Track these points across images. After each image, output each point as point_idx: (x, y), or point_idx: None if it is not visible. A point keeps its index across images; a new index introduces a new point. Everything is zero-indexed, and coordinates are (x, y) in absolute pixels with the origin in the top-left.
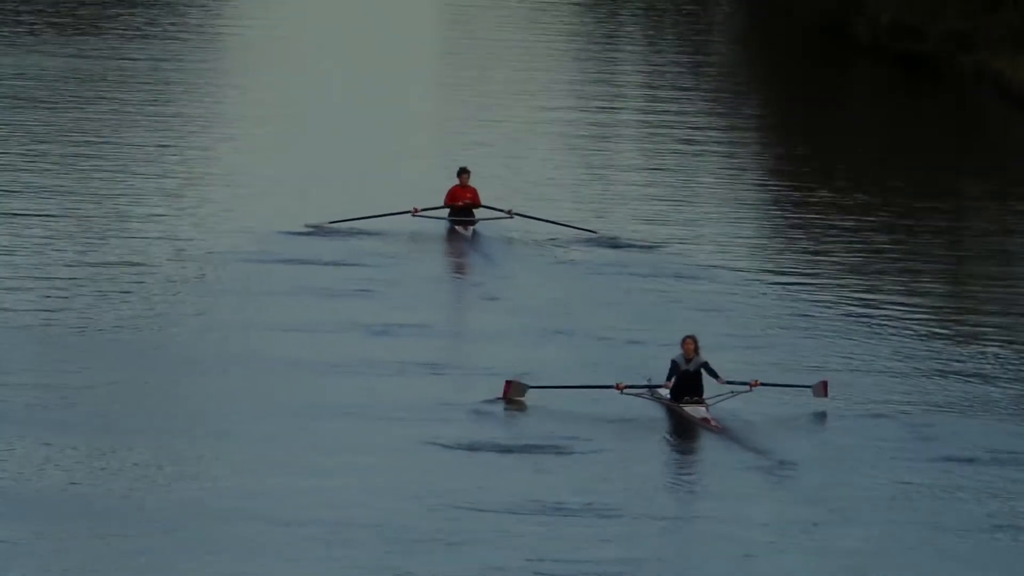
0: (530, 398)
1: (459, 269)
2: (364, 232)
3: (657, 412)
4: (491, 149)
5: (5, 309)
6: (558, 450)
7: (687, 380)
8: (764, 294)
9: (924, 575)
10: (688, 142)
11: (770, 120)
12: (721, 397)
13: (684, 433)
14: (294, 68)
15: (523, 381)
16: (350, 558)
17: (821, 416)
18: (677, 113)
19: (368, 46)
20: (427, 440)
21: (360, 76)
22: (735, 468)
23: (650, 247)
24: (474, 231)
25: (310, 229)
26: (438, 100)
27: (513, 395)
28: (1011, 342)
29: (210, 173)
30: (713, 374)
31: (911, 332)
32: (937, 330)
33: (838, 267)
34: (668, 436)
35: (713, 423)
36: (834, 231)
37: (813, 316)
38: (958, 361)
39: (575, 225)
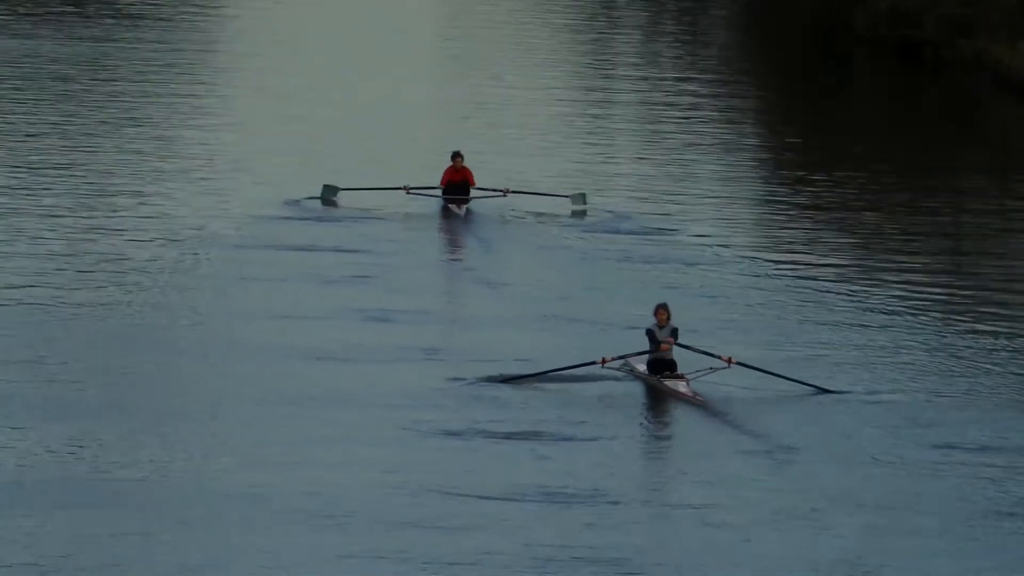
0: (516, 387)
1: (453, 250)
2: (358, 212)
3: (641, 390)
4: (487, 132)
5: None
6: (551, 436)
7: (664, 357)
8: (761, 277)
9: (922, 561)
10: (686, 127)
11: (768, 106)
12: (700, 373)
13: (672, 411)
14: (290, 53)
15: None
16: (344, 542)
17: (820, 401)
18: (675, 99)
19: (366, 30)
20: (421, 425)
21: (357, 60)
22: (733, 453)
23: (645, 229)
24: (467, 209)
25: (299, 203)
26: (434, 82)
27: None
28: (1010, 327)
29: (202, 156)
30: (679, 342)
31: (909, 316)
32: (936, 315)
33: (836, 252)
34: (657, 416)
35: (695, 396)
36: (832, 216)
37: (810, 300)
38: (957, 346)
39: (565, 194)
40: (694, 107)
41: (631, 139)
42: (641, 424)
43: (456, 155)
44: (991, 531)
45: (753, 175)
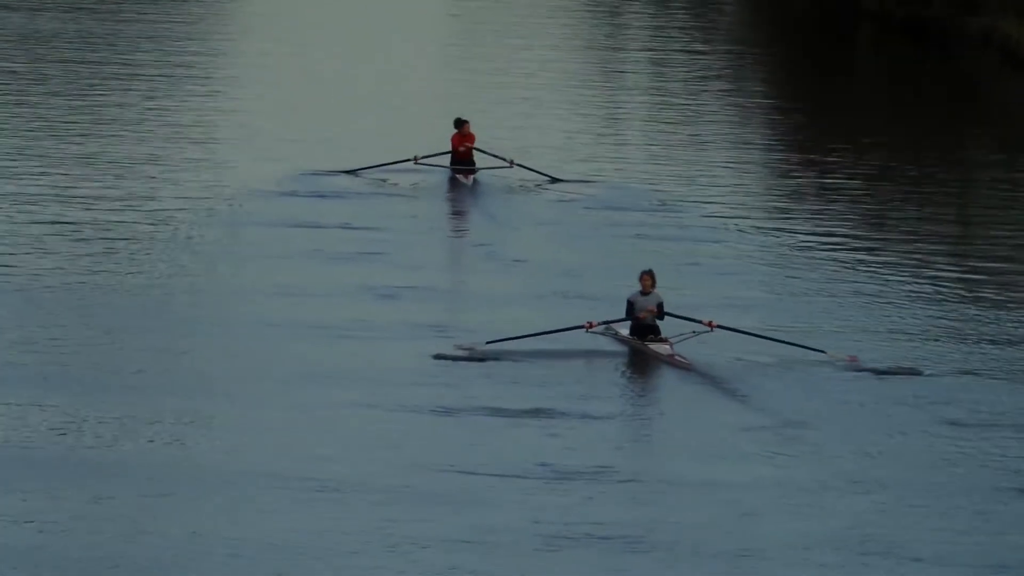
0: (503, 348)
1: (460, 221)
2: (366, 183)
3: (627, 354)
4: (497, 107)
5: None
6: (547, 410)
7: (647, 322)
8: (772, 253)
9: (930, 539)
10: (694, 104)
11: (777, 84)
12: (683, 336)
13: (659, 375)
14: (300, 32)
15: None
16: (344, 517)
17: (832, 376)
18: (683, 75)
19: (377, 14)
20: (422, 401)
21: (366, 45)
22: (726, 419)
23: (653, 203)
24: (475, 179)
25: (307, 176)
26: (443, 61)
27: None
28: (1019, 299)
29: (208, 132)
30: (662, 310)
31: (920, 293)
32: (944, 287)
33: (845, 226)
34: (645, 380)
35: (679, 359)
36: (841, 192)
37: (821, 276)
38: (963, 318)
39: (575, 179)
40: (701, 83)
41: (639, 115)
42: (631, 390)
43: (462, 122)
44: (1001, 509)
45: (761, 151)
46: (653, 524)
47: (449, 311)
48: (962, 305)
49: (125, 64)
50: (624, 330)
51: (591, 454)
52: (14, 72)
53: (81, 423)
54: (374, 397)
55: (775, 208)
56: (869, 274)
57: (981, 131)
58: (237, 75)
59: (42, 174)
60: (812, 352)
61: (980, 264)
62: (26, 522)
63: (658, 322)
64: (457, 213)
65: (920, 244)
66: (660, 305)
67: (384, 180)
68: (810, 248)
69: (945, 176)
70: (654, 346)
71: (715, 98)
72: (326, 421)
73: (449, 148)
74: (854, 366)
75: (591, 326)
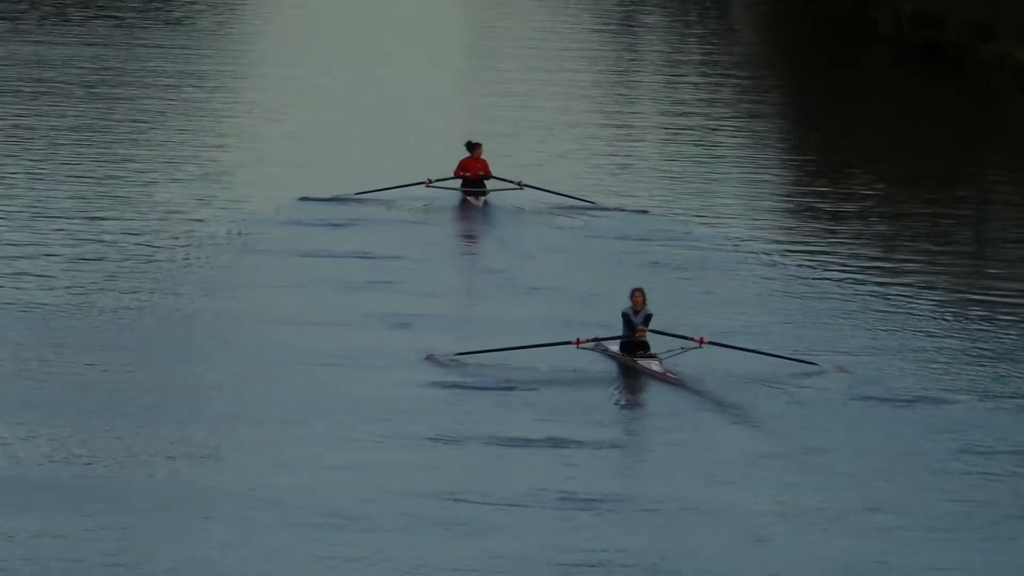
0: (487, 360)
1: (471, 246)
2: (379, 203)
3: (616, 370)
4: (508, 126)
5: (9, 288)
6: (557, 438)
7: (638, 339)
8: (782, 275)
9: (947, 565)
10: (708, 126)
11: (791, 106)
12: (672, 352)
13: (650, 391)
14: (313, 51)
15: (475, 349)
16: (346, 545)
17: (843, 401)
18: (698, 98)
19: (389, 34)
20: (425, 429)
21: (379, 62)
22: (750, 452)
23: (664, 225)
24: (485, 201)
25: (320, 199)
26: (456, 80)
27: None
28: None
29: (217, 157)
30: (649, 326)
31: (932, 316)
32: (957, 314)
33: (861, 251)
34: (636, 397)
35: (670, 375)
36: (854, 215)
37: (831, 297)
38: (972, 339)
39: (580, 197)
40: (716, 106)
41: (652, 137)
42: (630, 412)
43: (474, 145)
44: (1009, 536)
45: (776, 174)
46: (664, 551)
47: (462, 338)
48: (978, 329)
49: (132, 89)
50: (614, 346)
51: (597, 480)
52: (20, 97)
53: (83, 449)
54: (380, 426)
55: (790, 232)
56: (884, 298)
57: (996, 155)
58: (246, 98)
59: (46, 199)
60: (805, 365)
61: (995, 287)
62: (26, 546)
63: (649, 336)
64: (469, 237)
65: (935, 268)
66: (648, 318)
67: (395, 203)
68: (825, 272)
69: (960, 200)
70: (643, 362)
71: (729, 122)
72: (334, 449)
73: (455, 172)
74: (845, 376)
75: (580, 342)
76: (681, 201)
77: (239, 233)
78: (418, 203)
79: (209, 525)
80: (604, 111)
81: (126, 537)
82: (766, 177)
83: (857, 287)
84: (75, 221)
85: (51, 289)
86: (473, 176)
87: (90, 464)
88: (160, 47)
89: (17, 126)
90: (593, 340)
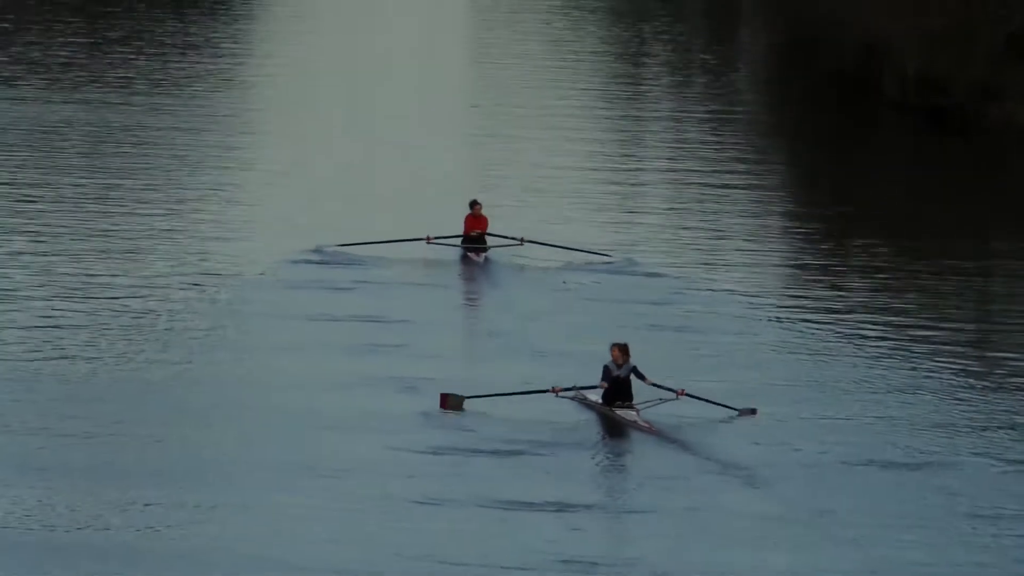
0: (470, 407)
1: (473, 309)
2: (379, 260)
3: (594, 419)
4: (512, 180)
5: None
6: (553, 501)
7: (618, 385)
8: (793, 341)
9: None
10: (713, 188)
11: (796, 168)
12: (650, 403)
13: (628, 440)
14: (313, 94)
15: (458, 393)
16: None
17: (836, 462)
18: (702, 160)
19: (390, 73)
20: (412, 492)
21: (380, 105)
22: (751, 515)
23: (670, 277)
24: (486, 258)
25: (321, 252)
26: (456, 134)
27: (450, 406)
28: None
29: (217, 201)
30: (640, 376)
31: (934, 380)
32: (960, 377)
33: (865, 313)
34: (615, 445)
35: (645, 425)
36: (857, 277)
37: (841, 364)
38: (983, 408)
39: (586, 249)
40: (722, 169)
41: (656, 195)
42: (602, 457)
43: (474, 203)
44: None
45: (781, 235)
46: None
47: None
48: (984, 394)
49: (127, 148)
50: (593, 395)
51: (599, 544)
52: (26, 152)
53: (76, 509)
54: (371, 488)
55: (794, 291)
56: (888, 361)
57: (1002, 217)
58: (246, 156)
59: (40, 258)
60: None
61: (1000, 350)
62: None
63: (633, 385)
64: (470, 298)
65: (940, 331)
66: (635, 370)
67: (396, 259)
68: (828, 334)
69: (966, 261)
70: (621, 411)
71: (734, 182)
72: (328, 512)
73: (462, 229)
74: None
75: (557, 391)
76: (684, 256)
77: (236, 294)
78: (418, 260)
79: None
80: (608, 167)
81: None
82: (770, 235)
83: (859, 351)
84: (71, 278)
85: (39, 352)
86: (474, 231)
87: (74, 524)
88: (156, 108)
89: (10, 185)
90: (570, 388)
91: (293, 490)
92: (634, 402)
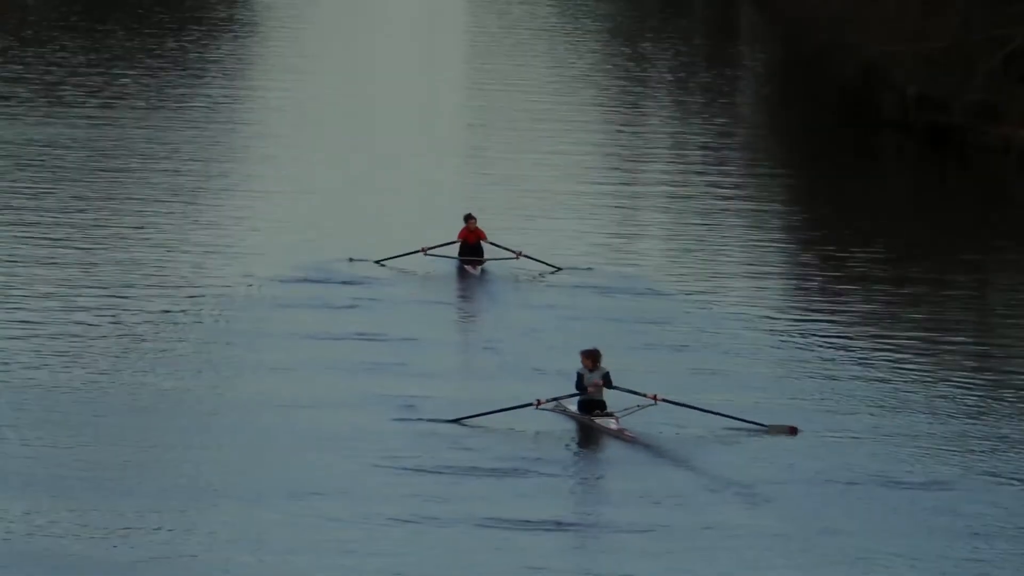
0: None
1: (470, 324)
2: (375, 276)
3: (575, 429)
4: (508, 197)
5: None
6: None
7: (594, 398)
8: (793, 359)
9: None
10: (711, 205)
11: (795, 187)
12: (628, 411)
13: (606, 449)
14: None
15: (443, 417)
16: None
17: (838, 479)
18: (701, 178)
19: (386, 93)
20: (401, 511)
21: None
22: (756, 534)
23: (669, 294)
24: (482, 270)
25: (316, 272)
26: (453, 150)
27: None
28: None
29: (215, 217)
30: (608, 383)
31: (934, 397)
32: (960, 394)
33: (865, 333)
34: (593, 454)
35: (626, 433)
36: (856, 295)
37: (841, 383)
38: (983, 427)
39: (582, 267)
40: (720, 187)
41: (653, 209)
42: (594, 473)
43: (468, 217)
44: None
45: (779, 252)
46: None
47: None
48: (989, 411)
49: (126, 168)
50: (572, 406)
51: (584, 559)
52: (19, 169)
53: (56, 523)
54: (360, 506)
55: (793, 309)
56: (889, 378)
57: (1001, 237)
58: (242, 171)
59: (38, 276)
60: (754, 426)
61: (1004, 368)
62: None
63: (605, 394)
64: (467, 315)
65: (941, 350)
66: (606, 376)
67: (394, 273)
68: (829, 352)
69: (967, 280)
70: (600, 421)
71: (733, 201)
72: (319, 531)
73: (456, 240)
74: (793, 436)
75: (539, 403)
76: (683, 273)
77: (229, 311)
78: (415, 275)
79: None
80: (606, 185)
81: None
82: (769, 255)
83: (859, 368)
84: (68, 298)
85: (36, 366)
86: (471, 240)
87: (66, 538)
88: (151, 125)
89: (8, 206)
90: (552, 400)
91: (282, 509)
92: (612, 410)
